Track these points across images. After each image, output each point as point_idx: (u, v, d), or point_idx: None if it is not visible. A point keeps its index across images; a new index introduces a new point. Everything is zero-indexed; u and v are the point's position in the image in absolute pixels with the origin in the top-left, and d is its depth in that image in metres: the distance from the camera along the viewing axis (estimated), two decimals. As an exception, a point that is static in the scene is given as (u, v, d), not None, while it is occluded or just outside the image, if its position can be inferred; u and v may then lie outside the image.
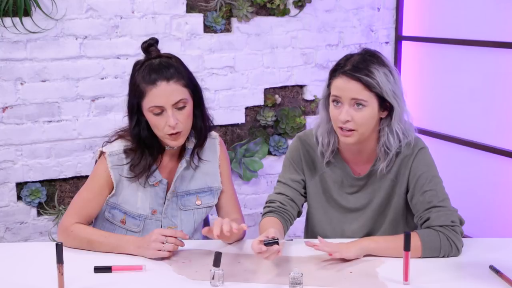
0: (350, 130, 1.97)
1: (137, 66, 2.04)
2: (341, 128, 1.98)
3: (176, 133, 2.01)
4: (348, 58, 2.01)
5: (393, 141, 2.01)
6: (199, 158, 2.16)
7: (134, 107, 2.03)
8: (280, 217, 2.10)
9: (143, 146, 2.07)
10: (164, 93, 1.98)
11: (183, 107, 2.01)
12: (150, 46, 2.05)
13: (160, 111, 1.99)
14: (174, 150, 2.13)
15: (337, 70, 1.99)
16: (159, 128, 2.01)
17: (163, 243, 1.92)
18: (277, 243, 1.79)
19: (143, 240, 1.94)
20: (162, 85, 1.98)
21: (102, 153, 2.11)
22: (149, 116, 2.01)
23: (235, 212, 2.21)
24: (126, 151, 2.09)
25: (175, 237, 1.94)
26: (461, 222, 2.03)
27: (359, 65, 1.96)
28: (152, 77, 1.98)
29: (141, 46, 2.07)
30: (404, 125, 2.03)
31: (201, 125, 2.11)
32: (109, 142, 2.12)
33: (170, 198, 2.15)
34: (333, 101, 2.00)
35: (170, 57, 2.05)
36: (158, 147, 2.09)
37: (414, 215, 2.06)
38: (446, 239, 1.95)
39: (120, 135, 2.12)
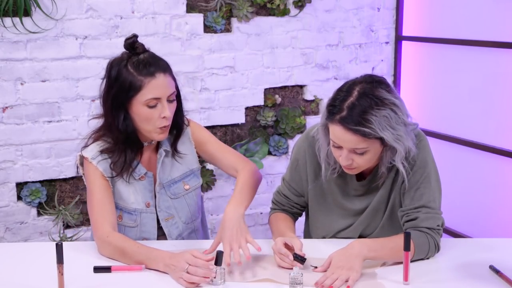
0: (353, 168, 1.97)
1: (123, 62, 2.04)
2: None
3: (166, 126, 2.05)
4: (344, 97, 1.88)
5: (397, 161, 1.96)
6: (177, 152, 2.20)
7: (122, 104, 2.03)
8: (289, 213, 2.23)
9: (124, 143, 2.08)
10: (163, 84, 2.02)
11: (173, 100, 2.07)
12: (135, 42, 2.06)
13: (155, 103, 2.02)
14: (150, 144, 2.16)
15: (334, 113, 1.88)
16: (151, 121, 2.03)
17: (189, 272, 1.78)
18: (303, 262, 1.86)
19: (172, 259, 1.83)
20: (160, 77, 2.02)
21: (83, 157, 2.11)
22: (141, 110, 2.02)
23: (230, 154, 2.26)
24: (102, 152, 2.09)
25: (206, 267, 1.79)
26: (442, 224, 2.04)
27: (355, 114, 1.84)
28: (151, 69, 2.01)
29: (126, 42, 2.06)
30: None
31: (179, 120, 2.17)
32: (86, 146, 2.12)
33: (158, 190, 2.17)
34: (333, 145, 1.95)
35: (151, 51, 2.09)
36: (138, 143, 2.11)
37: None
38: (434, 243, 1.97)
39: (95, 138, 2.13)
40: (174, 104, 2.08)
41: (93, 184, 2.09)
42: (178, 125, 2.17)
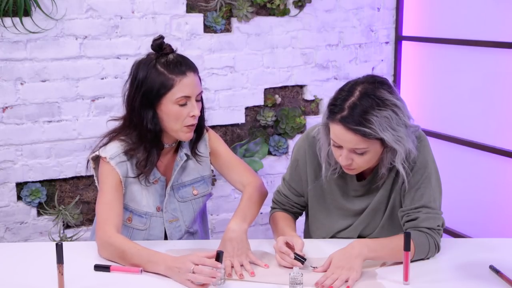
0: (352, 168, 1.96)
1: (151, 62, 2.06)
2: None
3: (193, 125, 2.07)
4: (346, 97, 1.88)
5: (397, 162, 1.96)
6: (197, 154, 2.22)
7: (151, 103, 2.05)
8: (290, 213, 2.22)
9: (151, 142, 2.08)
10: (193, 83, 2.06)
11: (199, 101, 2.10)
12: (163, 43, 2.10)
13: (185, 102, 2.05)
14: (170, 146, 2.16)
15: (335, 112, 1.88)
16: (180, 119, 2.05)
17: (194, 272, 1.76)
18: (303, 262, 1.86)
19: (175, 262, 1.81)
20: (191, 76, 2.06)
21: (99, 157, 2.10)
22: (171, 109, 2.04)
23: (240, 169, 2.26)
24: (126, 153, 2.09)
25: (211, 267, 1.77)
26: (443, 224, 2.04)
27: (356, 114, 1.84)
28: (182, 68, 2.05)
29: (155, 43, 2.09)
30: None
31: (201, 123, 2.18)
32: (103, 145, 2.11)
33: (168, 192, 2.18)
34: (333, 144, 1.95)
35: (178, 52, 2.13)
36: (160, 144, 2.12)
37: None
38: (434, 243, 1.97)
39: (111, 138, 2.12)
40: (200, 104, 2.11)
41: (106, 184, 2.08)
42: (200, 127, 2.18)
